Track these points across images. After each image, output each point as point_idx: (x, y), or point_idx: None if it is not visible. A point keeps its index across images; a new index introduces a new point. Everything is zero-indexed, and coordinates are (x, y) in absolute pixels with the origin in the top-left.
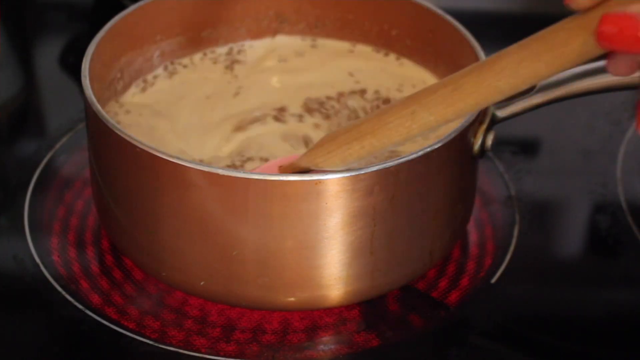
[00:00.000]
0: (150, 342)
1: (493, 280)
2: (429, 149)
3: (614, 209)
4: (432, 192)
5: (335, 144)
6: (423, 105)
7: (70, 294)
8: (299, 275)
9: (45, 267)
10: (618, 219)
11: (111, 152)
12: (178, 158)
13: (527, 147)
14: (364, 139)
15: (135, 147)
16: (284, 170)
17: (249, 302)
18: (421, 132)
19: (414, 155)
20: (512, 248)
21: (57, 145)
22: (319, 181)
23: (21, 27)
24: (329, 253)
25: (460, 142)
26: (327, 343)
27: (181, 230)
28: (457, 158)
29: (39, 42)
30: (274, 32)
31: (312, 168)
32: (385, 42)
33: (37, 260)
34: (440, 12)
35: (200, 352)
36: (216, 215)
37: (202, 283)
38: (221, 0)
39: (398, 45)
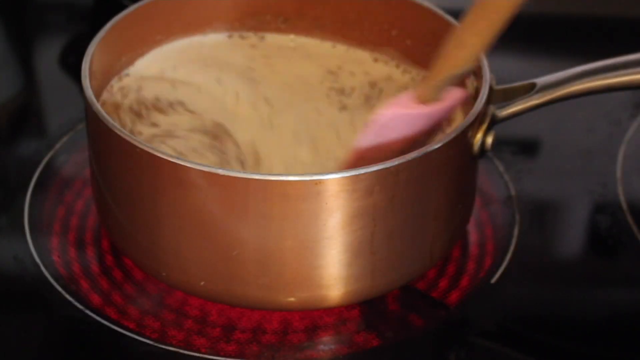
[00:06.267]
0: (150, 342)
1: (493, 280)
2: (429, 149)
3: (614, 209)
4: (433, 192)
5: (464, 32)
6: None
7: (70, 294)
8: (299, 275)
9: (45, 267)
10: (618, 219)
11: (111, 152)
12: (178, 158)
13: (527, 147)
14: (486, 8)
15: (135, 147)
16: (422, 96)
17: (249, 302)
18: None
19: (414, 155)
20: (512, 248)
21: (57, 145)
22: (319, 181)
23: (21, 28)
24: (329, 253)
25: (460, 142)
26: (327, 343)
27: (181, 230)
28: (457, 158)
29: (39, 43)
30: (274, 33)
31: (453, 72)
32: (385, 42)
33: (37, 260)
34: (440, 12)
35: (200, 352)
36: (216, 215)
37: (202, 283)
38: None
39: (398, 45)
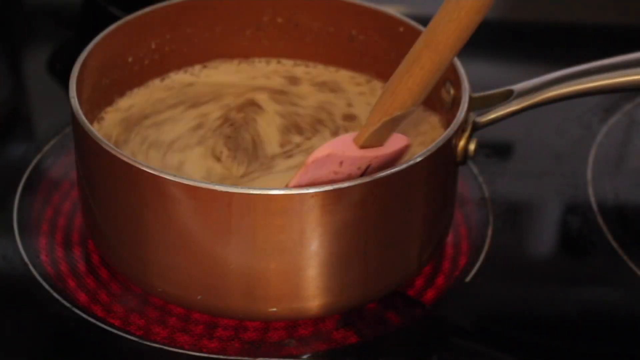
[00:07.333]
0: (135, 339)
1: (467, 279)
2: (417, 159)
3: (584, 210)
4: (421, 199)
5: (397, 79)
6: None
7: (57, 293)
8: (294, 286)
9: (34, 266)
10: (588, 219)
11: (101, 171)
12: (166, 173)
13: (501, 151)
14: (421, 56)
15: (131, 166)
16: (359, 139)
17: (247, 315)
18: (472, 23)
19: (405, 165)
20: (486, 248)
21: (45, 148)
22: (315, 194)
23: (10, 34)
24: (325, 263)
25: (445, 150)
26: (306, 340)
27: (167, 245)
28: (442, 166)
29: (27, 49)
30: (269, 46)
31: (387, 119)
32: (361, 54)
33: (26, 259)
34: (412, 22)
35: (183, 348)
36: (218, 230)
37: (199, 297)
38: (217, 11)
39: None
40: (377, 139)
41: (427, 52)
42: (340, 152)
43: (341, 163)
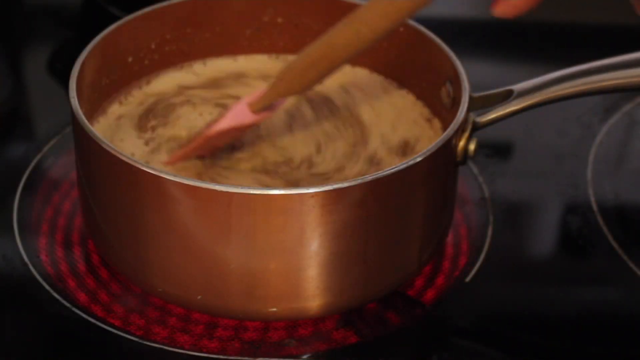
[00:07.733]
0: (135, 339)
1: (467, 279)
2: (419, 158)
3: (584, 210)
4: (421, 199)
5: (294, 74)
6: (364, 23)
7: (57, 293)
8: (294, 286)
9: (34, 266)
10: (588, 219)
11: (101, 171)
12: (166, 173)
13: (500, 151)
14: (318, 64)
15: (131, 166)
16: (255, 107)
17: (245, 315)
18: (365, 47)
19: (405, 165)
20: (486, 248)
21: (45, 148)
22: (315, 194)
23: (10, 34)
24: (323, 263)
25: (445, 150)
26: (306, 340)
27: (167, 245)
28: (442, 166)
29: (27, 48)
30: (269, 46)
31: (278, 99)
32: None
33: (26, 259)
34: (412, 22)
35: (183, 348)
36: (218, 230)
37: (199, 297)
38: (217, 11)
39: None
40: (269, 106)
41: (324, 61)
42: (240, 124)
43: (238, 130)
